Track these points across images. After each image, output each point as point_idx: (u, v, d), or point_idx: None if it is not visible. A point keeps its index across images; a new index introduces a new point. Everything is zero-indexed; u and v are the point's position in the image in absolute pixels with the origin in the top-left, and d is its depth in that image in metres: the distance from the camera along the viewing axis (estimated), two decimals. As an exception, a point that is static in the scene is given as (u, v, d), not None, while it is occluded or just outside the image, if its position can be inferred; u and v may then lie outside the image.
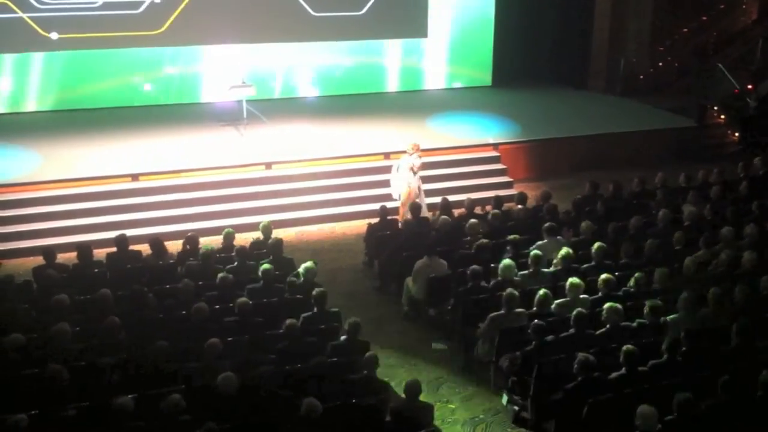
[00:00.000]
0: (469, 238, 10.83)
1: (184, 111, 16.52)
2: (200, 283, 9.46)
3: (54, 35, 15.70)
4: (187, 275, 9.58)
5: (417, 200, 12.55)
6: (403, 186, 12.69)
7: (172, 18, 16.45)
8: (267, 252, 10.40)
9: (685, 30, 19.43)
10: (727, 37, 19.51)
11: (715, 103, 17.55)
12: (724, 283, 8.97)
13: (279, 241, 10.65)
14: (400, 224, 11.93)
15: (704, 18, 19.56)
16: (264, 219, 11.43)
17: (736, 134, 17.10)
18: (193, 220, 12.76)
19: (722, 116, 17.42)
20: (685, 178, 12.77)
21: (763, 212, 11.18)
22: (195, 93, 17.20)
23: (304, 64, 17.73)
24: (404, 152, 12.96)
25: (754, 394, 7.09)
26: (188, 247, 10.50)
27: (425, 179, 13.64)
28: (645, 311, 8.42)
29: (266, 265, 9.53)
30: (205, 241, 10.68)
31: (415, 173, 12.66)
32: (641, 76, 19.04)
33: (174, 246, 10.94)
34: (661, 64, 19.40)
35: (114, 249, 10.51)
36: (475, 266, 9.64)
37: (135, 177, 13.40)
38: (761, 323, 8.20)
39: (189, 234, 10.75)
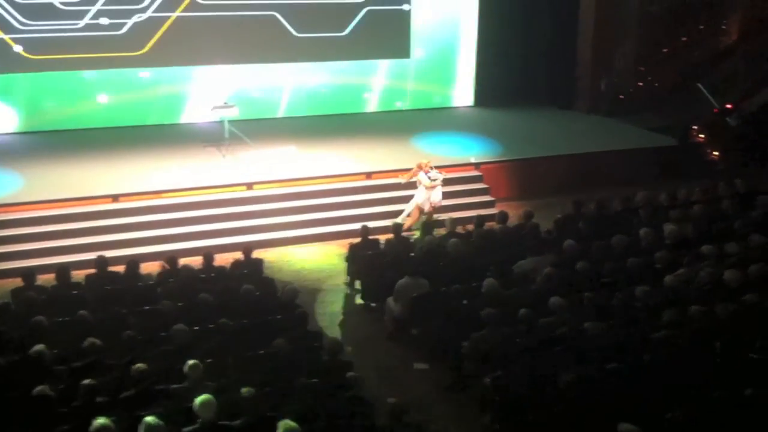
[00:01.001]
0: (451, 257, 10.79)
1: (166, 132, 16.46)
2: (180, 304, 9.38)
3: (18, 48, 15.53)
4: (166, 296, 9.50)
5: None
6: (411, 203, 13.26)
7: (154, 39, 16.42)
8: (248, 273, 10.33)
9: (666, 50, 19.58)
10: (709, 57, 19.67)
11: (696, 123, 17.67)
12: (706, 301, 8.97)
13: (259, 262, 10.59)
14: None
15: (684, 39, 19.73)
16: (245, 239, 11.37)
17: (716, 153, 17.21)
18: (174, 241, 12.67)
19: (702, 135, 17.53)
20: (667, 196, 12.80)
21: (745, 231, 11.20)
22: (177, 114, 17.14)
23: (288, 85, 17.73)
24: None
25: (739, 410, 7.07)
26: (168, 267, 10.43)
27: (409, 199, 13.65)
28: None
29: (247, 286, 9.47)
30: (184, 262, 10.59)
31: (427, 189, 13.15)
32: (623, 96, 19.15)
33: (154, 267, 10.86)
34: (642, 84, 19.52)
35: (94, 270, 10.42)
36: (458, 285, 9.62)
37: (115, 198, 13.31)
38: (744, 341, 8.18)
39: (168, 255, 10.69)
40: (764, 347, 7.91)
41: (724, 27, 20.03)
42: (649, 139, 17.16)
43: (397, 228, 11.84)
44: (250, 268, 10.60)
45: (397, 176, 14.00)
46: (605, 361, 7.75)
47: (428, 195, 13.23)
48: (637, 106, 18.83)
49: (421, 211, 13.31)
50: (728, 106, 17.81)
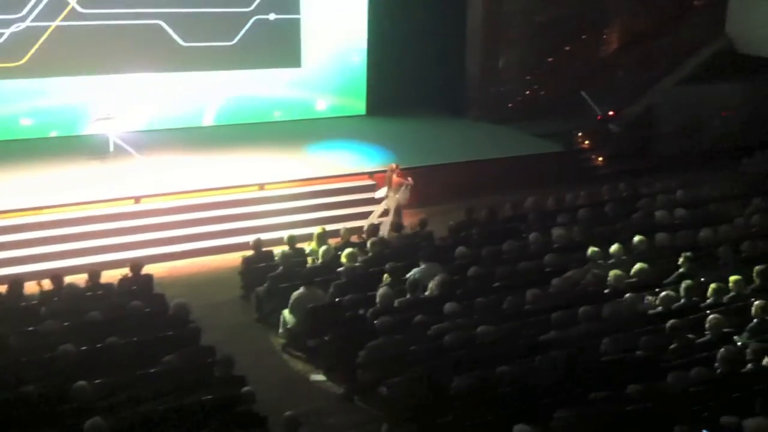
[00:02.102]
0: (345, 267, 10.77)
1: (48, 145, 15.82)
2: (66, 323, 9.06)
3: None
4: (51, 316, 9.15)
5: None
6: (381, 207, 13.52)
7: (33, 49, 15.83)
8: (137, 289, 10.06)
9: (551, 60, 20.14)
10: (592, 66, 20.33)
11: (580, 129, 18.23)
12: (593, 301, 9.25)
13: (149, 278, 10.33)
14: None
15: (568, 48, 20.34)
16: (133, 254, 11.05)
17: (600, 158, 17.81)
18: (57, 259, 12.18)
19: (587, 141, 18.11)
20: (555, 201, 13.14)
21: (628, 232, 11.60)
22: (60, 126, 16.50)
23: (178, 95, 17.30)
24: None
25: (623, 408, 7.30)
26: (53, 286, 10.05)
27: (304, 209, 13.61)
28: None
29: (136, 303, 9.22)
30: (68, 280, 10.21)
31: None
32: (510, 105, 19.58)
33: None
34: (529, 92, 20.01)
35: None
36: (352, 295, 9.60)
37: (-8, 215, 12.74)
38: (629, 339, 8.46)
39: (53, 273, 10.30)
40: (648, 345, 8.19)
41: (605, 37, 20.76)
42: (537, 145, 17.56)
43: (291, 240, 11.71)
44: (139, 285, 10.33)
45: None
46: (497, 364, 7.85)
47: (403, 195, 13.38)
48: (525, 113, 19.29)
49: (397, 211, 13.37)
50: (611, 113, 18.46)
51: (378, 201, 13.94)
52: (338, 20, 18.47)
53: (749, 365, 7.96)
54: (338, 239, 11.93)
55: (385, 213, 13.49)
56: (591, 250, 10.61)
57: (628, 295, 9.32)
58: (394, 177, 13.52)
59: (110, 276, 10.81)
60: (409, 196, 13.47)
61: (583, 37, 20.55)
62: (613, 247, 10.68)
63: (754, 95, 18.80)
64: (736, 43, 19.25)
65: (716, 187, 14.04)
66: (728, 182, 14.55)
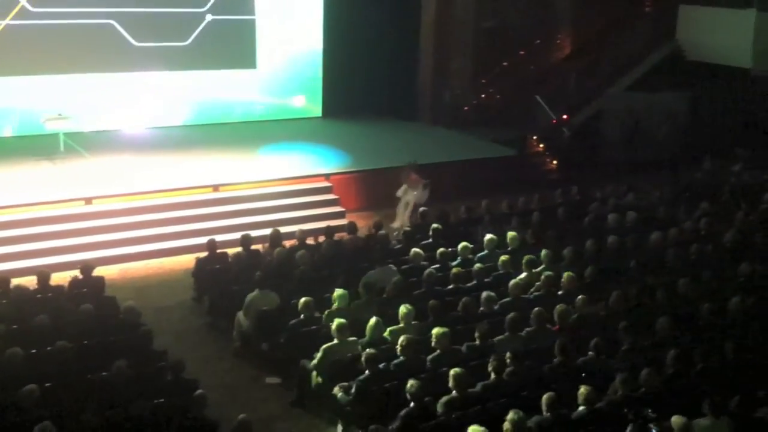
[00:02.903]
0: (300, 269, 10.73)
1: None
2: (14, 327, 8.91)
3: None
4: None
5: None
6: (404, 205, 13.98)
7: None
8: (87, 292, 9.90)
9: (505, 64, 20.32)
10: (545, 70, 20.56)
11: (534, 133, 18.42)
12: (546, 303, 9.34)
13: (100, 280, 10.18)
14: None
15: (522, 52, 20.54)
16: (84, 256, 10.89)
17: (553, 162, 18.00)
18: (5, 261, 11.93)
19: (541, 145, 18.30)
20: (508, 205, 13.24)
21: (580, 235, 11.75)
22: (11, 126, 16.19)
23: (131, 95, 17.14)
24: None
25: (575, 410, 7.38)
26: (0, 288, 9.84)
27: (258, 211, 13.60)
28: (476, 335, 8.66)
29: (86, 306, 9.08)
30: (16, 282, 10.02)
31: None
32: (466, 108, 19.71)
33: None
34: (483, 96, 20.17)
35: None
36: (306, 298, 9.56)
37: (-61, 216, 12.46)
38: (580, 341, 8.56)
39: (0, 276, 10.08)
40: (597, 347, 8.29)
41: (558, 42, 21.01)
42: (490, 149, 17.70)
43: (245, 240, 11.63)
44: (90, 287, 10.16)
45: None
46: (450, 367, 7.88)
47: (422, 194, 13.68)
48: (479, 117, 19.43)
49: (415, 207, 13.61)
50: (564, 117, 18.68)
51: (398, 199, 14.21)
52: (294, 22, 18.44)
53: (698, 366, 8.09)
54: (293, 241, 11.88)
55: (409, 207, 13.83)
56: (543, 252, 10.71)
57: (580, 297, 9.42)
58: (412, 174, 13.68)
59: (60, 278, 10.67)
60: (423, 195, 13.75)
61: (537, 42, 20.77)
62: (566, 251, 10.80)
63: (702, 101, 19.17)
64: (686, 49, 19.62)
65: (665, 191, 14.28)
66: (676, 187, 14.81)
